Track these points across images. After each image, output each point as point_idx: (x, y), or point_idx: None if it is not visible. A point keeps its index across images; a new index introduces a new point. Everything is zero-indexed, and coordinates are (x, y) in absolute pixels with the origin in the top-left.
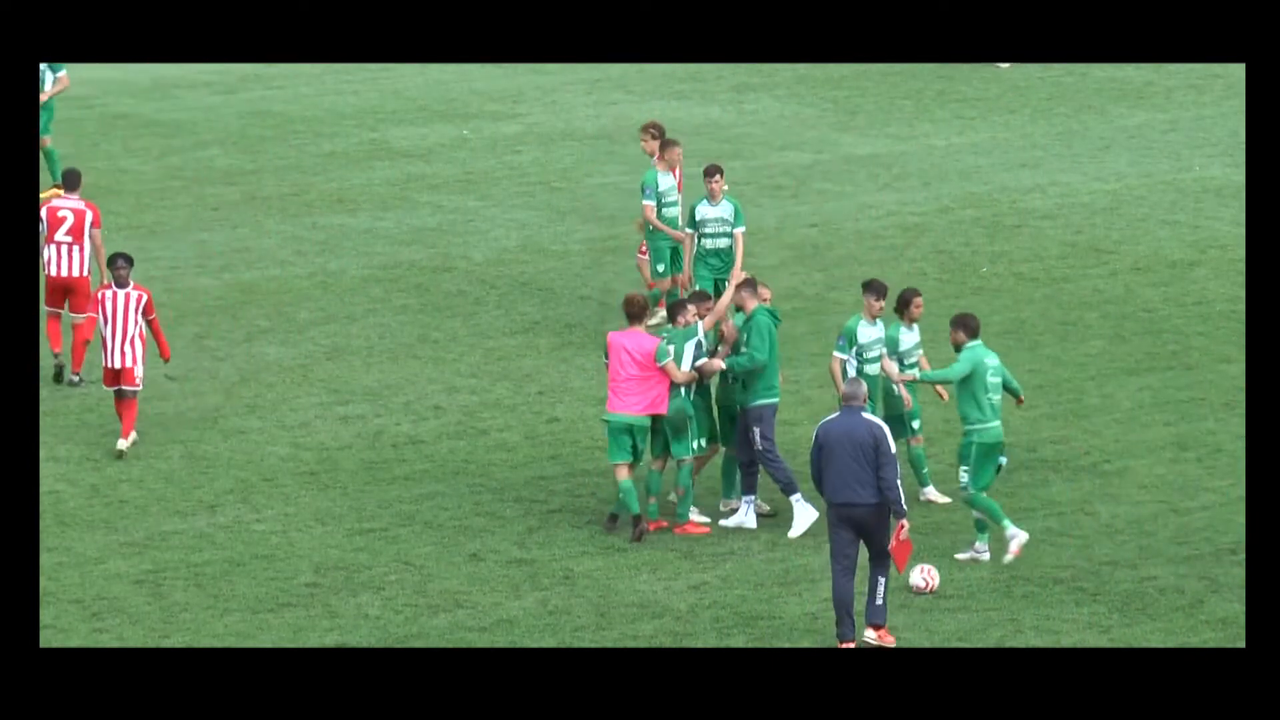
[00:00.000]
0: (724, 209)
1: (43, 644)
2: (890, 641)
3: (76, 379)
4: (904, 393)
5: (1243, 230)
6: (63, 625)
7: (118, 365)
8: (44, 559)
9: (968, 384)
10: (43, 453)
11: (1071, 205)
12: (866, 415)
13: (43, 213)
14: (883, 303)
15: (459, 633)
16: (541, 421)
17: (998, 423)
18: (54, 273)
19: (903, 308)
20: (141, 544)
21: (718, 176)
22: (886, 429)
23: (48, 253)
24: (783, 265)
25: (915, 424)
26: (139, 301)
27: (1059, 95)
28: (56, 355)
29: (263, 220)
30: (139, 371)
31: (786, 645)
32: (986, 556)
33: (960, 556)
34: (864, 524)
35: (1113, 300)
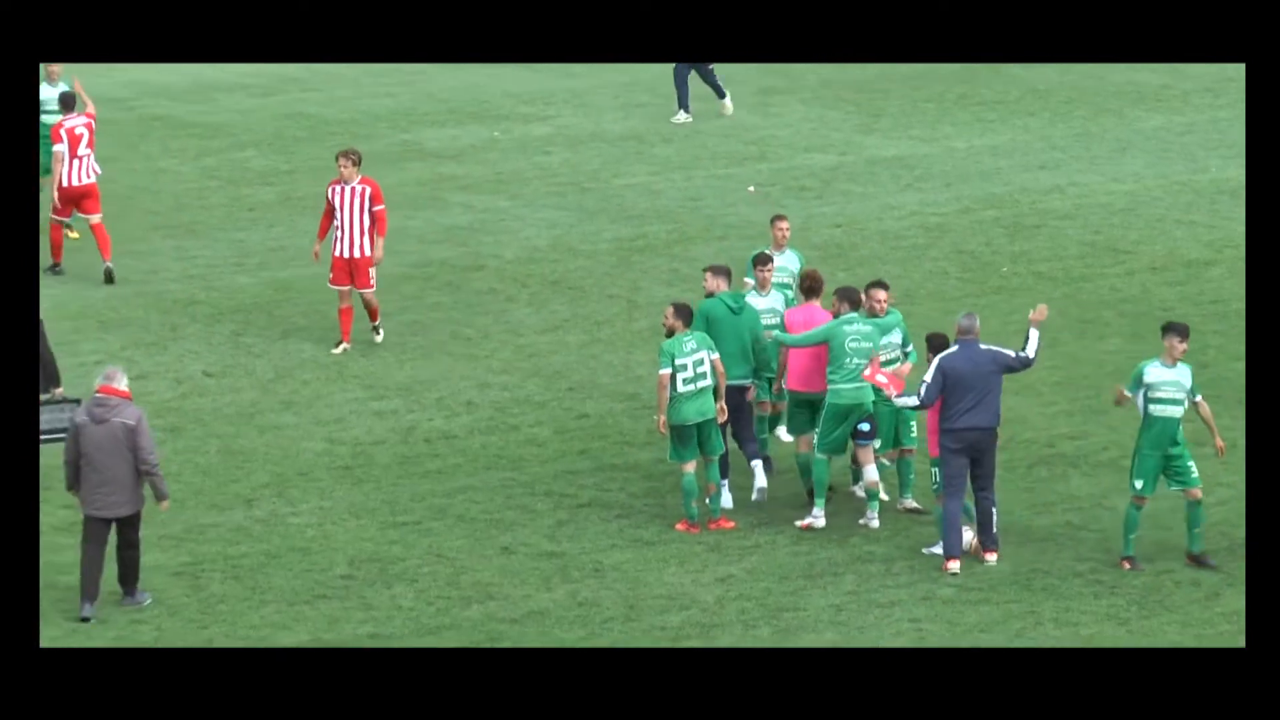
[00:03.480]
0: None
1: (79, 639)
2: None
3: (109, 266)
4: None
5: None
6: (102, 616)
7: None
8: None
9: (831, 349)
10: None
11: (1090, 206)
12: (984, 346)
13: (62, 134)
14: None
15: (491, 624)
16: (571, 417)
17: (852, 386)
18: (74, 183)
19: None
20: (180, 537)
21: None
22: (1011, 354)
23: (64, 167)
24: (808, 265)
25: (913, 433)
26: None
27: (1077, 98)
28: (57, 265)
29: (298, 220)
30: None
31: (811, 636)
32: (822, 521)
33: (926, 551)
34: (979, 446)
35: (1130, 299)
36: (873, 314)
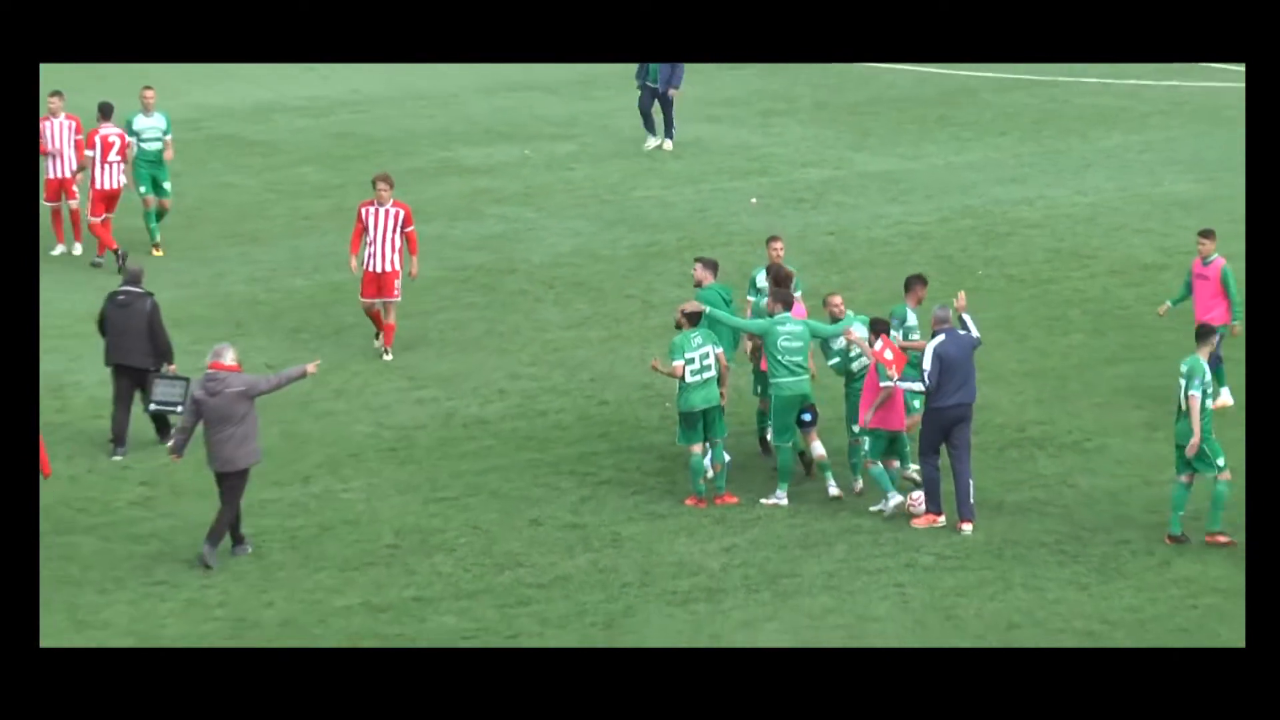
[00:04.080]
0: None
1: (152, 603)
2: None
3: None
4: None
5: None
6: (175, 581)
7: None
8: (159, 524)
9: (765, 345)
10: (150, 434)
11: (1055, 216)
12: (961, 332)
13: (96, 140)
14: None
15: (520, 588)
16: (593, 405)
17: (793, 379)
18: (108, 185)
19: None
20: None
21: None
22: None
23: (97, 171)
24: (805, 268)
25: (916, 403)
26: None
27: (1044, 120)
28: (117, 249)
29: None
30: None
31: (806, 600)
32: (785, 501)
33: (873, 509)
34: (962, 419)
35: (1092, 299)
36: (833, 319)
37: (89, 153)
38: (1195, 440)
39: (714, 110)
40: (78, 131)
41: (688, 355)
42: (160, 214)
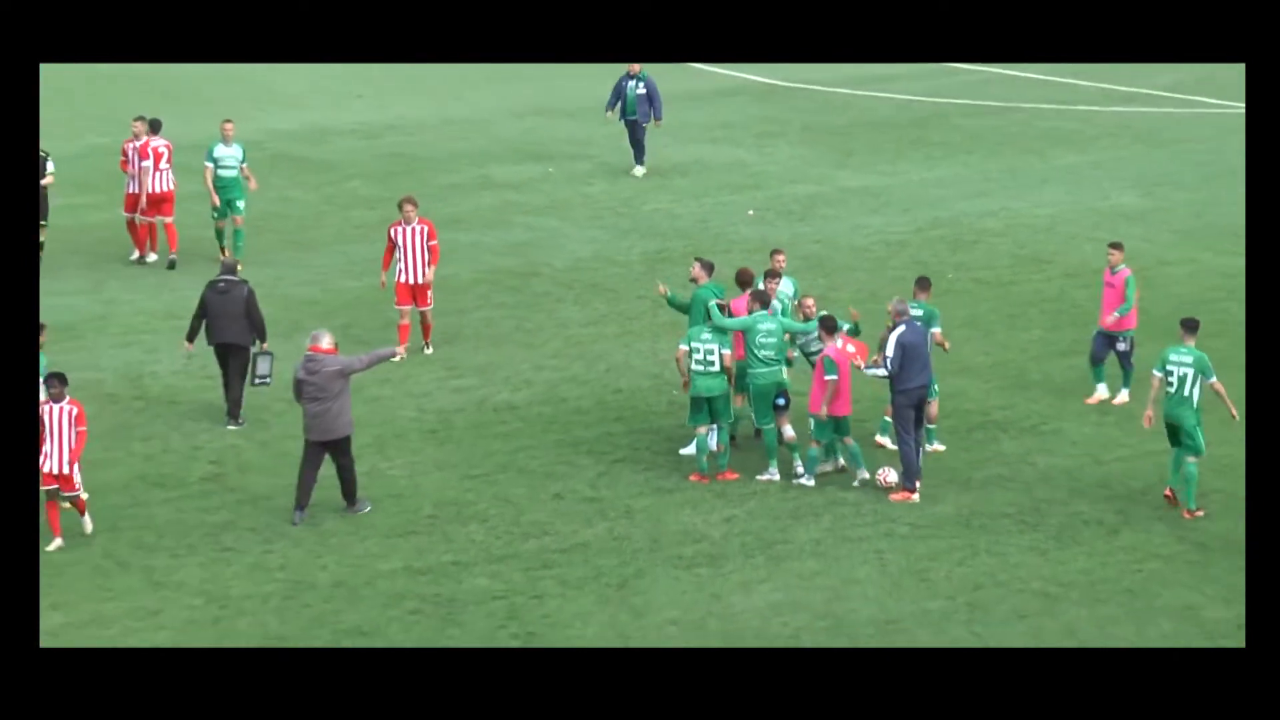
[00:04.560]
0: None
1: (220, 567)
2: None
3: (174, 257)
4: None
5: (1146, 245)
6: (241, 547)
7: (57, 472)
8: (227, 497)
9: (745, 339)
10: (222, 414)
11: (1017, 226)
12: (917, 324)
13: (135, 147)
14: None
15: (545, 554)
16: (608, 392)
17: (767, 369)
18: (156, 189)
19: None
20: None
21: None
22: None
23: (149, 178)
24: (794, 272)
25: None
26: (72, 415)
27: (1007, 141)
28: (172, 253)
29: None
30: (77, 479)
31: (796, 564)
32: (777, 476)
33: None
34: (922, 398)
35: (1049, 299)
36: (806, 318)
37: (144, 162)
38: (1149, 414)
39: (714, 133)
40: (156, 157)
41: (693, 344)
42: (235, 230)
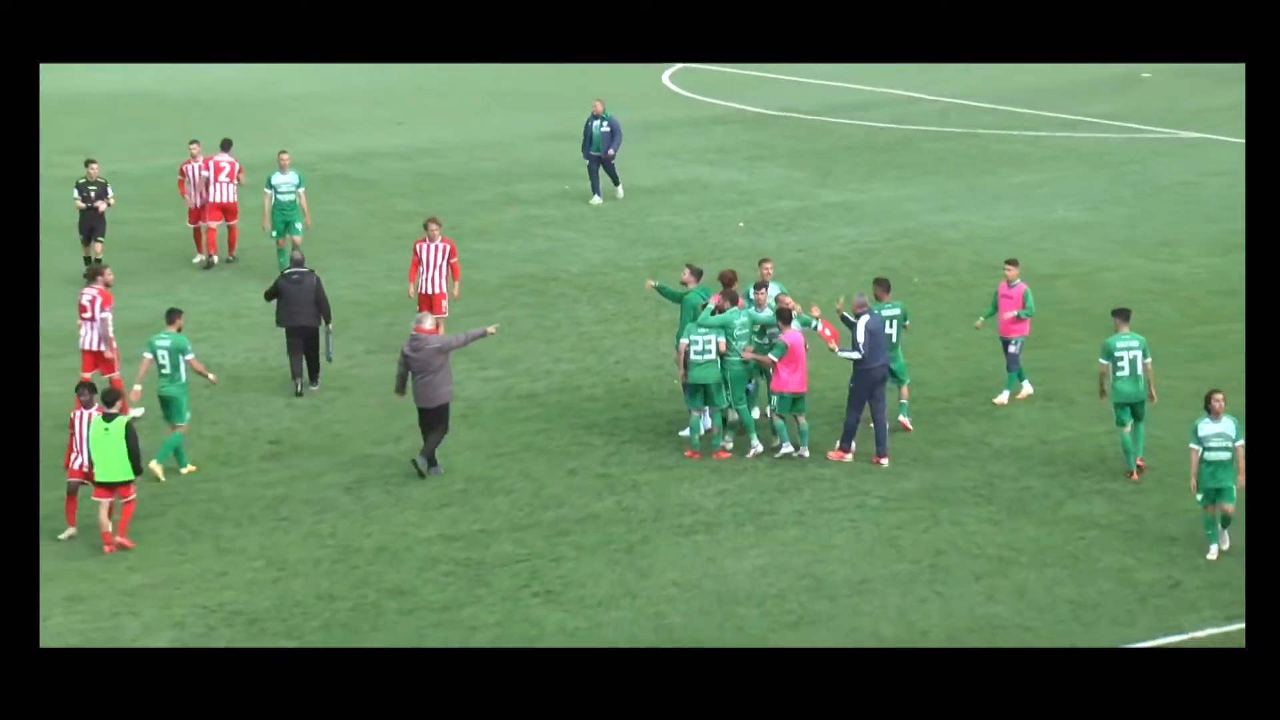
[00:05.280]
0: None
1: (279, 535)
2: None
3: (232, 258)
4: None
5: (1088, 253)
6: (296, 518)
7: (87, 469)
8: (283, 473)
9: (725, 332)
10: (280, 401)
11: (975, 237)
12: (879, 315)
13: (196, 166)
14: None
15: (562, 523)
16: (617, 381)
17: (740, 359)
18: (218, 199)
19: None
20: (349, 463)
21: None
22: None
23: (210, 189)
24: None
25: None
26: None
27: (966, 163)
28: (214, 255)
29: None
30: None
31: (781, 532)
32: (761, 449)
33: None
34: (883, 379)
35: None
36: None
37: (205, 173)
38: (1102, 396)
39: (710, 156)
40: (217, 170)
41: (692, 337)
42: (294, 247)
